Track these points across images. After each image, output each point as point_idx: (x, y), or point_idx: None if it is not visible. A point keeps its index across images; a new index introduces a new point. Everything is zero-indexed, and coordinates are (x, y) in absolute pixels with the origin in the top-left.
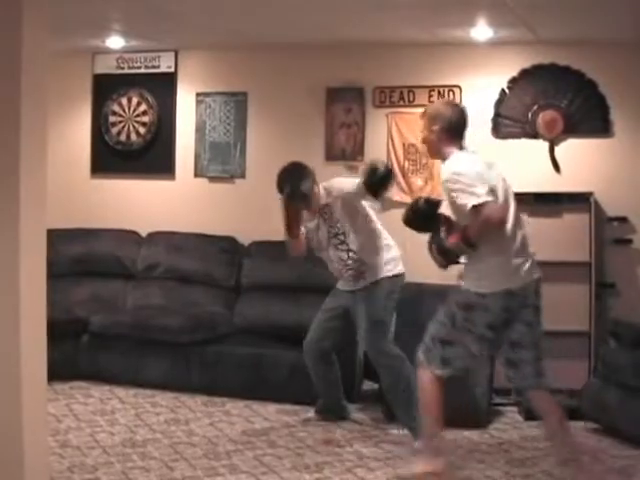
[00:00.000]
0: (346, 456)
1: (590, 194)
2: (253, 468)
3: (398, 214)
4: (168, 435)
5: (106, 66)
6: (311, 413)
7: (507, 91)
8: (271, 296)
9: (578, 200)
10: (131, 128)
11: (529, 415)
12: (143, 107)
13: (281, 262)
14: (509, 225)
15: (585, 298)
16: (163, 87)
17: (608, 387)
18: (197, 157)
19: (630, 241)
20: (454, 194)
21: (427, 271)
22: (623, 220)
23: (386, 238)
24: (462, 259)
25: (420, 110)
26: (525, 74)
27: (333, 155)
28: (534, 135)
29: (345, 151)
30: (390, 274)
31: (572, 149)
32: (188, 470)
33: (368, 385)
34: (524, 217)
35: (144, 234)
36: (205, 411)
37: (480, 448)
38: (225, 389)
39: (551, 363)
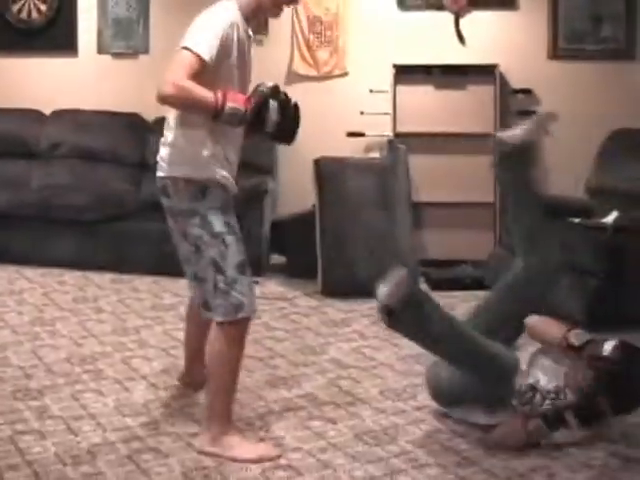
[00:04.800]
0: (255, 327)
1: (495, 66)
2: (162, 342)
3: (303, 88)
4: (76, 313)
5: None
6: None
7: None
8: None
9: (483, 72)
10: (32, 5)
11: (434, 286)
12: None
13: None
14: None
15: (489, 169)
16: None
17: (513, 257)
18: (100, 33)
19: (534, 113)
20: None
21: None
22: (528, 92)
23: None
24: None
25: None
26: None
27: None
28: (439, 7)
29: None
30: None
31: (477, 22)
32: (97, 346)
33: (275, 259)
34: None
35: (48, 113)
36: (113, 288)
37: None
38: (133, 266)
39: (457, 234)
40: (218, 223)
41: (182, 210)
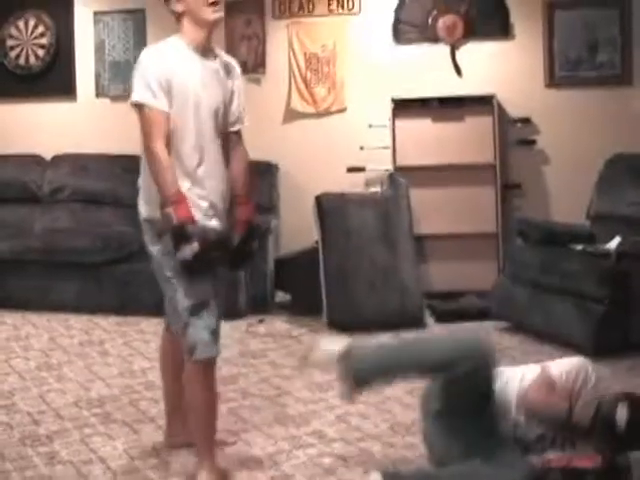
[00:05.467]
0: (261, 366)
1: (492, 96)
2: None
3: (302, 125)
4: (83, 357)
5: None
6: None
7: None
8: None
9: (481, 103)
10: (29, 51)
11: (440, 318)
12: (41, 29)
13: None
14: None
15: (491, 199)
16: (60, 7)
17: (517, 285)
18: (98, 77)
19: (534, 142)
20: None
21: None
22: (526, 121)
23: None
24: None
25: (320, 19)
26: None
27: None
28: (435, 40)
29: (247, 64)
30: None
31: (473, 52)
32: (104, 390)
33: (280, 296)
34: None
35: (49, 157)
36: (119, 331)
37: None
38: (138, 308)
39: (460, 265)
40: (168, 268)
41: (149, 251)
